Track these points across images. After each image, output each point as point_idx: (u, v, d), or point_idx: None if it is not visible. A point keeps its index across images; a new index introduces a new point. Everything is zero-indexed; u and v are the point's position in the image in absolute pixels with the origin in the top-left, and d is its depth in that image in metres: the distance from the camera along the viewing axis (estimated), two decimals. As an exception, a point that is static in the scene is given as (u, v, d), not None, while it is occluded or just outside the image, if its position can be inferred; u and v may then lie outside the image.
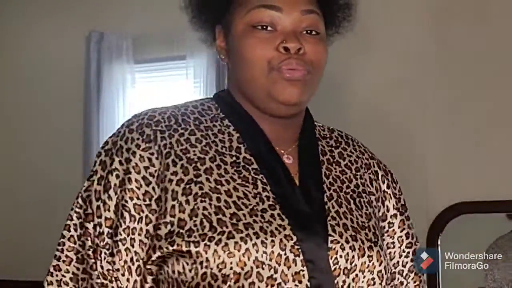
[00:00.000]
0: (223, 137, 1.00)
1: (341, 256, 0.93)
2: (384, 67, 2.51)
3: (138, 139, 0.97)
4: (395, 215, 1.09)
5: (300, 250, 0.90)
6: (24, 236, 3.08)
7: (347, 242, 0.94)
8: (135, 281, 0.94)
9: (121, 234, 0.93)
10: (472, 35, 2.41)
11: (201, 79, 2.76)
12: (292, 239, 0.90)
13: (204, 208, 0.91)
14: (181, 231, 0.90)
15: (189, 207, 0.91)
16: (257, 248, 0.88)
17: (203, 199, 0.92)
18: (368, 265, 0.95)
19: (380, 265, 0.96)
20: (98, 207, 0.95)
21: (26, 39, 3.14)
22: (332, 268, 0.92)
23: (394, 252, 1.08)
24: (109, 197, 0.95)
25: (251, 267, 0.88)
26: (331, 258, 0.92)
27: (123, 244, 0.93)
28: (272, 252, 0.89)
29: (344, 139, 1.11)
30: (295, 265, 0.89)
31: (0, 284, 3.06)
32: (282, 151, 1.02)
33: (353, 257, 0.93)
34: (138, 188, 0.94)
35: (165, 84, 3.01)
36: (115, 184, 0.95)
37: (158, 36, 2.84)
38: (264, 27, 0.98)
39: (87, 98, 2.95)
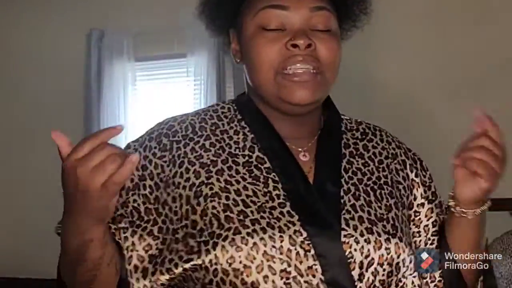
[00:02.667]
0: (238, 138, 1.01)
1: (355, 250, 0.91)
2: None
3: (155, 147, 1.00)
4: (422, 204, 1.05)
5: (311, 245, 0.90)
6: (25, 236, 3.08)
7: (362, 235, 0.92)
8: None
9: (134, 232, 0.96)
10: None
11: (202, 77, 2.75)
12: (302, 235, 0.90)
13: (213, 207, 0.92)
14: (193, 232, 0.92)
15: (200, 208, 0.93)
16: (265, 242, 0.88)
17: (212, 199, 0.93)
18: (387, 258, 0.93)
19: (398, 257, 0.94)
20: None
21: (27, 37, 3.13)
22: (348, 262, 0.90)
23: (420, 241, 1.04)
24: (121, 196, 0.96)
25: (261, 261, 0.88)
26: (346, 252, 0.91)
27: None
28: (282, 246, 0.89)
29: (371, 130, 1.09)
30: (307, 259, 0.89)
31: (2, 282, 3.07)
32: (300, 149, 1.01)
33: (368, 250, 0.92)
34: (151, 194, 0.97)
35: (166, 82, 3.01)
36: (128, 187, 0.98)
37: (158, 34, 2.84)
38: (274, 26, 0.97)
39: (88, 96, 2.94)
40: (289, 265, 0.89)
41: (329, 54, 0.97)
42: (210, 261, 0.89)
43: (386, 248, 0.92)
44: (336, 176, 0.99)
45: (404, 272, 0.95)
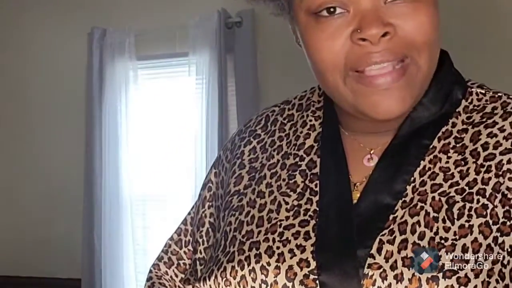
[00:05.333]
0: (302, 131, 0.80)
1: None
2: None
3: (227, 149, 0.87)
4: None
5: (317, 282, 0.66)
6: (25, 235, 3.08)
7: (393, 267, 0.64)
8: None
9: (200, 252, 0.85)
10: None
11: (203, 75, 2.75)
12: (308, 266, 0.67)
13: (229, 223, 0.76)
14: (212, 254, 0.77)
15: (223, 223, 0.78)
16: (255, 276, 0.68)
17: (234, 213, 0.77)
18: None
19: None
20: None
21: (29, 36, 3.13)
22: None
23: None
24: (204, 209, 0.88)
25: None
26: None
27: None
28: (275, 282, 0.67)
29: (501, 110, 0.73)
30: None
31: (3, 280, 3.07)
32: (371, 150, 0.76)
33: None
34: (209, 207, 0.86)
35: (168, 81, 3.01)
36: (204, 197, 0.87)
37: (160, 33, 2.84)
38: (332, 9, 0.67)
39: (90, 95, 2.95)
40: None
41: (418, 32, 0.67)
42: None
43: None
44: (400, 183, 0.71)
45: None
